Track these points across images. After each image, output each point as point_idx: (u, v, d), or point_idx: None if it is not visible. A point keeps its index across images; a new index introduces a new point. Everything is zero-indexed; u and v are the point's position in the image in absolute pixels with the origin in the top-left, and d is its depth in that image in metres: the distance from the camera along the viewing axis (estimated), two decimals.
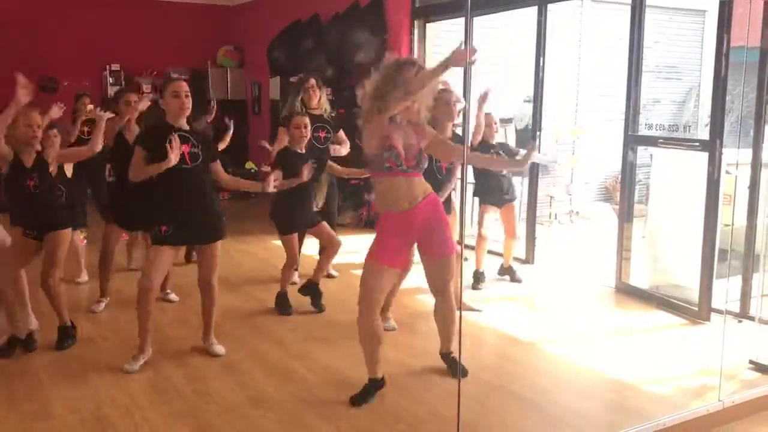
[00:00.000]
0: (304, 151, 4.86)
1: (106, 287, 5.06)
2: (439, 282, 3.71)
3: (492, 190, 5.53)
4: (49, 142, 4.27)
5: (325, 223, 5.05)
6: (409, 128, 3.49)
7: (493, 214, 5.65)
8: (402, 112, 3.42)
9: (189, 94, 3.92)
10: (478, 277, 5.64)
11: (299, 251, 5.32)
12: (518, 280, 5.83)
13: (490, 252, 5.80)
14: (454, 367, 3.83)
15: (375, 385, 3.61)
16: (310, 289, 5.08)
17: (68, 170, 4.75)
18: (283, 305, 4.99)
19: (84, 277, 5.71)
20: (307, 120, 4.87)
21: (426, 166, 3.55)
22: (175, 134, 3.82)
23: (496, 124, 5.50)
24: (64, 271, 4.36)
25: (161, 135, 3.85)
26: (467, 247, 5.71)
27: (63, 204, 4.31)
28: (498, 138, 5.66)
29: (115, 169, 5.00)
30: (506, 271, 5.90)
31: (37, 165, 4.10)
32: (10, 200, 4.22)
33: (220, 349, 4.23)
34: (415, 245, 3.74)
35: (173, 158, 3.78)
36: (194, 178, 3.93)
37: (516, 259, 6.47)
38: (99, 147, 4.38)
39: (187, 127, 3.94)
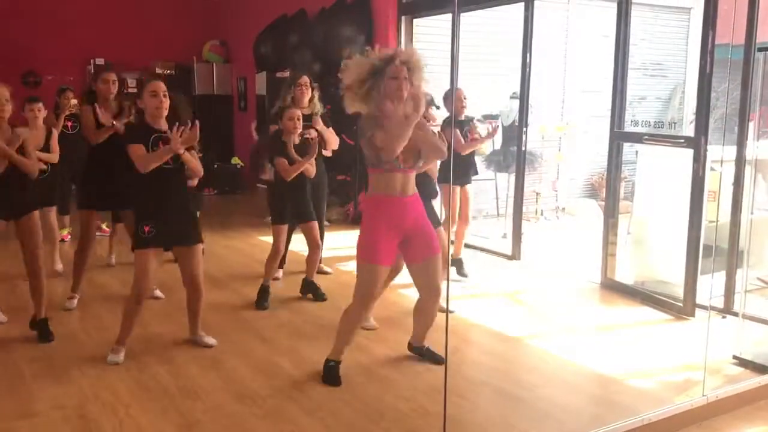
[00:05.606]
0: (296, 142, 4.87)
1: (79, 283, 4.91)
2: (432, 283, 3.68)
3: (456, 169, 5.35)
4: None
5: (315, 224, 5.05)
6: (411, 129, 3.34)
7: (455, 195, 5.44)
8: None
9: (167, 93, 3.90)
10: (461, 263, 5.62)
11: (287, 246, 5.31)
12: (464, 275, 5.69)
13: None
14: (428, 356, 3.94)
15: (338, 365, 3.72)
16: (307, 286, 5.14)
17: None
18: (261, 299, 4.96)
19: (59, 265, 5.65)
20: (299, 113, 4.89)
21: (421, 164, 3.62)
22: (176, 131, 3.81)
23: (465, 99, 5.41)
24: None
25: (140, 136, 3.86)
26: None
27: (34, 186, 4.17)
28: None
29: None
30: (455, 262, 5.68)
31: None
32: None
33: (210, 340, 4.25)
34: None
35: (178, 147, 3.78)
36: (174, 177, 3.92)
37: (502, 255, 6.50)
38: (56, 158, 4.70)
39: (165, 127, 3.89)
